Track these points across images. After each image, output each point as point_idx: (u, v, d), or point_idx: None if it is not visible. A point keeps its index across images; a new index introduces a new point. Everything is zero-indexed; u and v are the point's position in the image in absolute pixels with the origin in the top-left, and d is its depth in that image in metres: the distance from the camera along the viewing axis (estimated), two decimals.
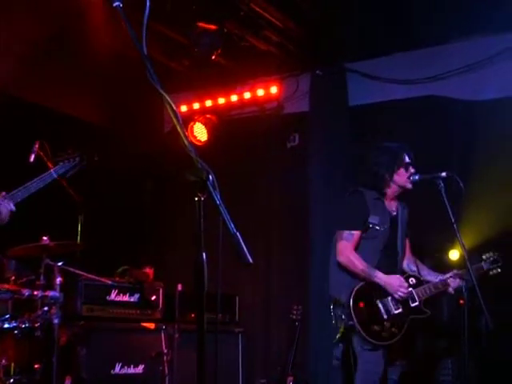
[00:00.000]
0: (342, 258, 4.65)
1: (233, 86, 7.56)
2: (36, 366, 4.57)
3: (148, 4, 2.32)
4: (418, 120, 6.40)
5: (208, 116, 7.65)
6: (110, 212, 6.98)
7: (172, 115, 2.13)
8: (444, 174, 4.55)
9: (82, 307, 5.61)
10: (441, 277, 4.81)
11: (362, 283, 4.58)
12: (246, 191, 7.33)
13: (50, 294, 4.64)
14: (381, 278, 4.57)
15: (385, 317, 4.55)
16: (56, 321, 4.61)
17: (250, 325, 6.94)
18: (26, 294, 4.54)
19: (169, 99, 2.13)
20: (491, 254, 4.87)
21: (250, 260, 2.03)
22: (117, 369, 5.54)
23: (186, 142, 2.09)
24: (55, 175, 4.73)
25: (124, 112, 7.34)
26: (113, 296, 5.83)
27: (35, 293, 4.59)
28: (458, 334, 4.33)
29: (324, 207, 6.69)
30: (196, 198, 2.06)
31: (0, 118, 5.55)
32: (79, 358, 5.30)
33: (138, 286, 6.02)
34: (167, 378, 5.66)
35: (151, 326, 5.94)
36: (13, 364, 4.52)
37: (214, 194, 2.05)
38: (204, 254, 2.05)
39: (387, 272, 4.63)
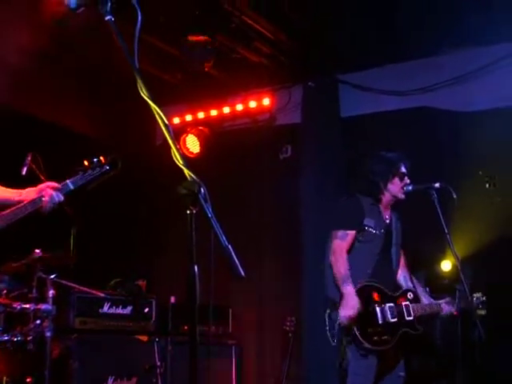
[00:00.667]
0: (332, 258, 4.64)
1: (225, 97, 7.59)
2: (28, 380, 4.56)
3: (140, 17, 2.34)
4: (409, 131, 6.43)
5: (200, 128, 7.66)
6: (103, 225, 6.97)
7: (163, 128, 2.13)
8: (437, 184, 4.59)
9: (75, 320, 5.61)
10: (433, 301, 4.84)
11: (361, 284, 4.57)
12: (238, 203, 7.33)
13: (43, 307, 4.63)
14: (347, 290, 4.47)
15: (380, 322, 4.53)
16: (48, 334, 4.60)
17: (243, 337, 6.92)
18: (18, 307, 4.52)
19: (160, 112, 2.14)
20: (480, 294, 4.91)
21: (243, 273, 2.04)
22: (109, 382, 5.51)
23: (177, 154, 2.09)
24: (72, 187, 4.04)
25: (117, 124, 7.34)
26: (106, 309, 5.81)
27: (27, 306, 4.57)
28: (451, 353, 4.33)
29: (316, 218, 6.67)
30: (188, 212, 2.06)
31: None
32: (72, 371, 5.28)
33: (131, 299, 6.01)
34: None
35: (144, 338, 5.93)
36: (5, 377, 4.50)
37: (205, 207, 2.05)
38: (196, 267, 2.05)
39: (383, 280, 4.63)
